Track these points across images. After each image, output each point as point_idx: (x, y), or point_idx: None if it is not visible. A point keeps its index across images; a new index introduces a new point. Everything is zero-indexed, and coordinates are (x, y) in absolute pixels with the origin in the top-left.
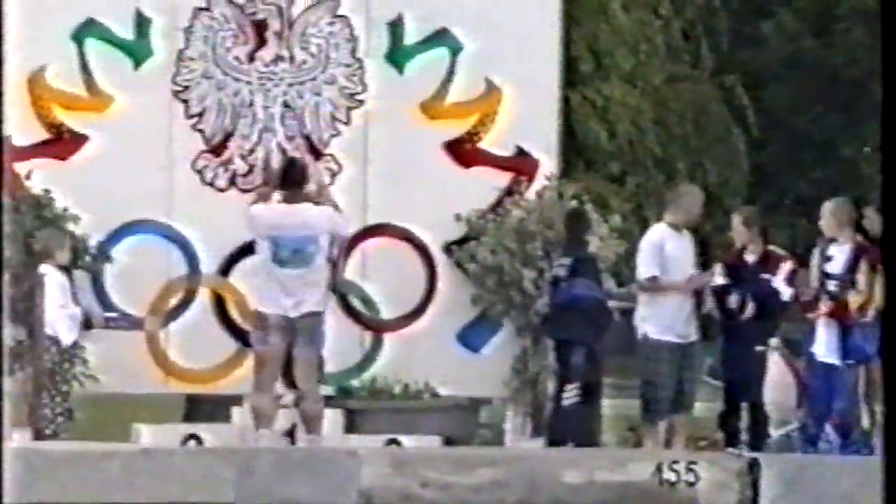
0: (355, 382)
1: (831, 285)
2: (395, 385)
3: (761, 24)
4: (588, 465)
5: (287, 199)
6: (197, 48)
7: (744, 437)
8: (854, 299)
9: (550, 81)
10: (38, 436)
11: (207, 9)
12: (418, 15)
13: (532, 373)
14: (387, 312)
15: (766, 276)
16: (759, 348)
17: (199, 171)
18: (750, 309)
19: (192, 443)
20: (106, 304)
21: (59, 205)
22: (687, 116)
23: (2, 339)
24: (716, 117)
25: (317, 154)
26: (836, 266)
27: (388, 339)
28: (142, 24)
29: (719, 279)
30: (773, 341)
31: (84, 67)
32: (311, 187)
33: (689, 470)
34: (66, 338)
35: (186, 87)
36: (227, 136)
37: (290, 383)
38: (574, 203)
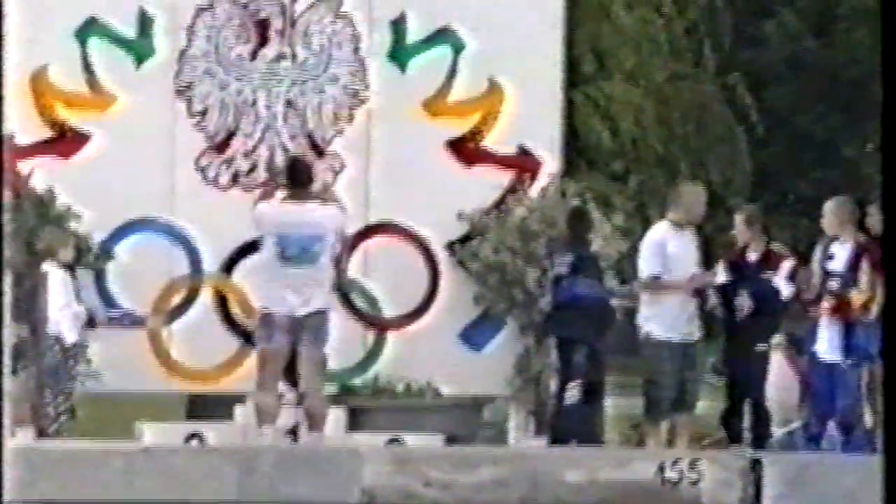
0: (358, 381)
1: (833, 283)
2: (397, 383)
3: (763, 23)
4: (590, 463)
5: (293, 198)
6: (199, 47)
7: (746, 435)
8: (856, 297)
9: (553, 80)
10: (41, 434)
11: (210, 7)
12: (421, 13)
13: (534, 371)
14: (389, 311)
15: (767, 274)
16: (761, 347)
17: (202, 170)
18: (748, 306)
19: (194, 441)
20: (108, 302)
21: (62, 203)
22: (689, 115)
23: (2, 339)
24: (718, 116)
25: (319, 152)
26: (838, 264)
27: (391, 337)
28: (144, 22)
29: (721, 278)
30: (776, 339)
31: (86, 66)
32: (316, 186)
33: (692, 469)
34: (69, 336)
35: (189, 86)
36: (230, 135)
37: (292, 381)
38: (576, 202)
